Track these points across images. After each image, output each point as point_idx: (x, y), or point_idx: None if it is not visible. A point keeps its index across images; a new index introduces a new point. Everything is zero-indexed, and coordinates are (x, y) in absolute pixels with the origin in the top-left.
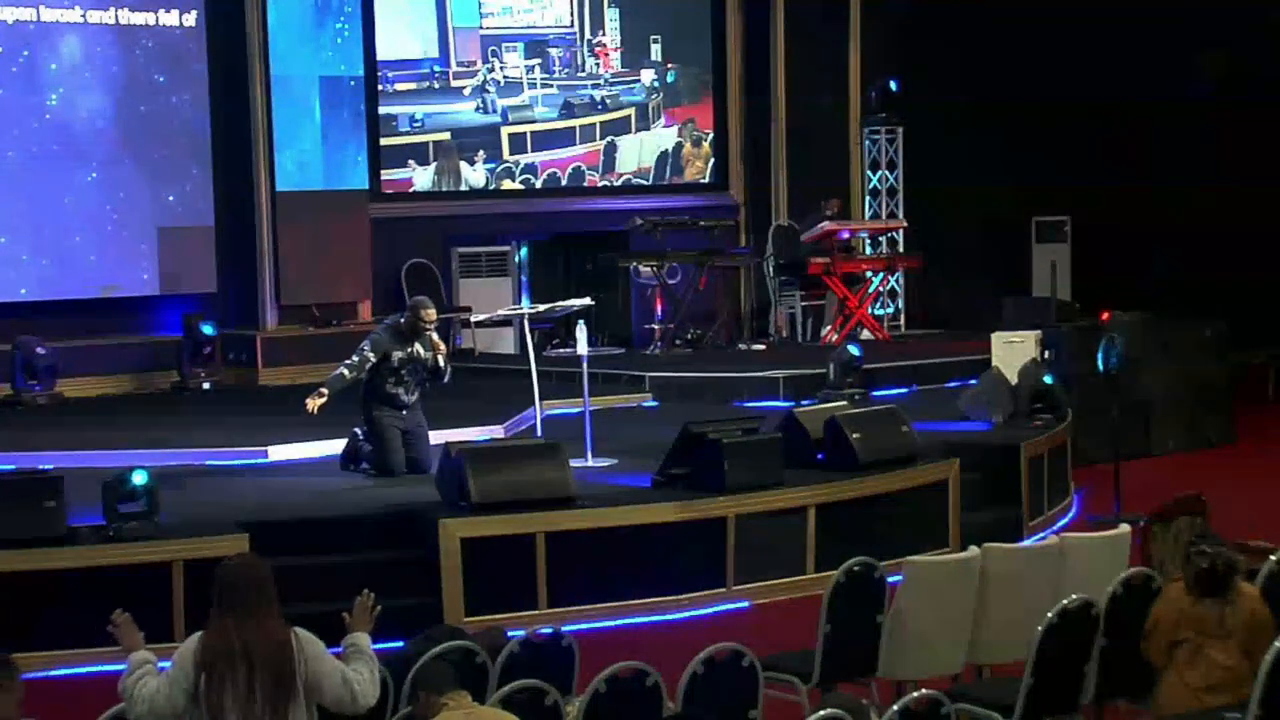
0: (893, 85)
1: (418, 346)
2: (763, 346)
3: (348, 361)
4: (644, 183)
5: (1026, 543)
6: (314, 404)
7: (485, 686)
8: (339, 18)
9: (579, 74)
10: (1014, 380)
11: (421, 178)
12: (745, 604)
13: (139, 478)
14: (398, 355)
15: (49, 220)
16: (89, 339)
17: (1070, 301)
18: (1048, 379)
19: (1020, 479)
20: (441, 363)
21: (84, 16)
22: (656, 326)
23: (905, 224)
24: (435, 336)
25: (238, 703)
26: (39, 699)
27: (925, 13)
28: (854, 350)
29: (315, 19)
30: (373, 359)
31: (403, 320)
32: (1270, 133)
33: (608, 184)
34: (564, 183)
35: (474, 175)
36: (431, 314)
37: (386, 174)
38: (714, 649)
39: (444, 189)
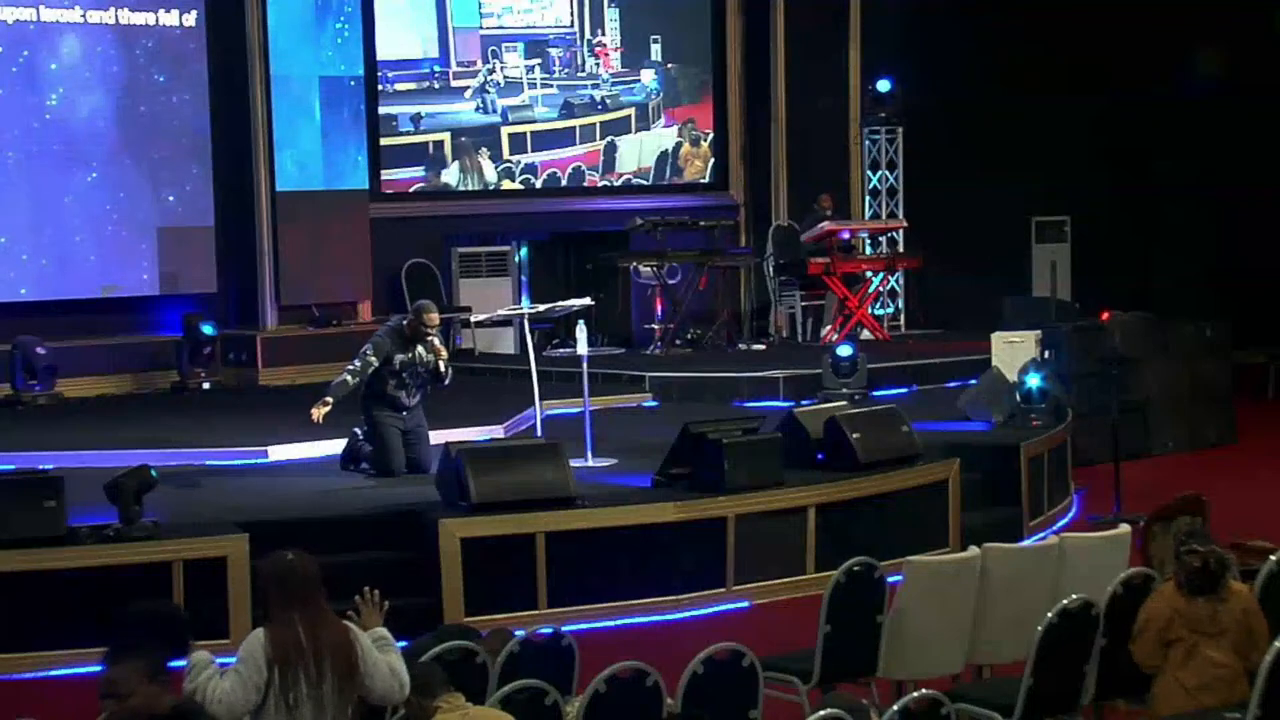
0: (882, 85)
1: (419, 350)
2: (763, 346)
3: (350, 367)
4: (644, 183)
5: (1026, 543)
6: (319, 413)
7: (485, 686)
8: (339, 18)
9: (579, 74)
10: (1014, 380)
11: (447, 177)
12: (745, 604)
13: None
14: (399, 358)
15: (49, 220)
16: (89, 339)
17: (1070, 301)
18: (1033, 380)
19: (1020, 479)
20: (443, 367)
21: (84, 16)
22: (656, 326)
23: (905, 224)
24: (437, 341)
25: (312, 696)
26: (39, 699)
27: (925, 13)
28: (842, 351)
29: (315, 19)
30: (375, 363)
31: (405, 323)
32: (1270, 133)
33: (608, 184)
34: (564, 183)
35: (491, 172)
36: (434, 318)
37: (400, 173)
38: (714, 649)
39: (470, 187)
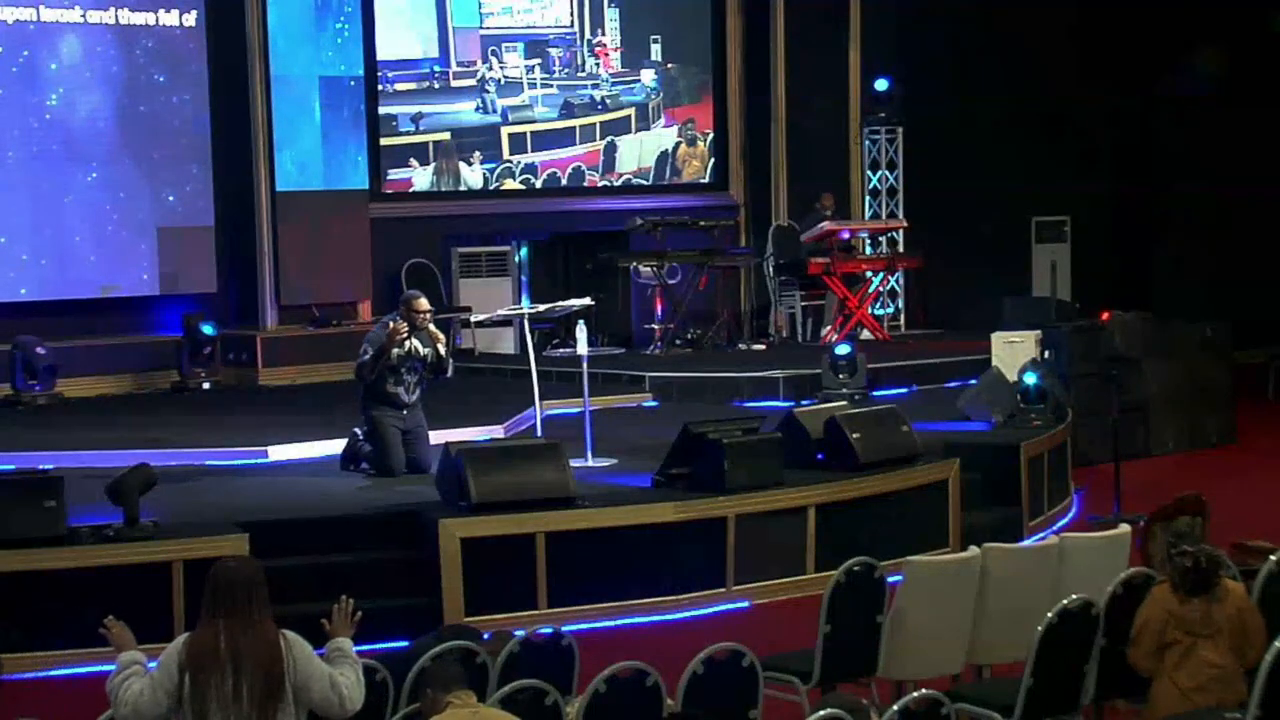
0: (879, 85)
1: (415, 343)
2: (763, 346)
3: (361, 358)
4: (644, 183)
5: (1026, 543)
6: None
7: (485, 686)
8: (339, 18)
9: (579, 74)
10: (1014, 380)
11: (421, 178)
12: (745, 604)
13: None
14: (395, 352)
15: (49, 220)
16: (89, 339)
17: (1070, 301)
18: (1029, 378)
19: (1020, 479)
20: (442, 351)
21: (84, 16)
22: (656, 326)
23: (905, 224)
24: (433, 328)
25: (223, 706)
26: (39, 699)
27: (925, 13)
28: (840, 349)
29: (315, 19)
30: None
31: (398, 318)
32: (1270, 133)
33: (608, 184)
34: (564, 183)
35: (472, 175)
36: (423, 304)
37: (400, 173)
38: (714, 649)
39: (443, 189)
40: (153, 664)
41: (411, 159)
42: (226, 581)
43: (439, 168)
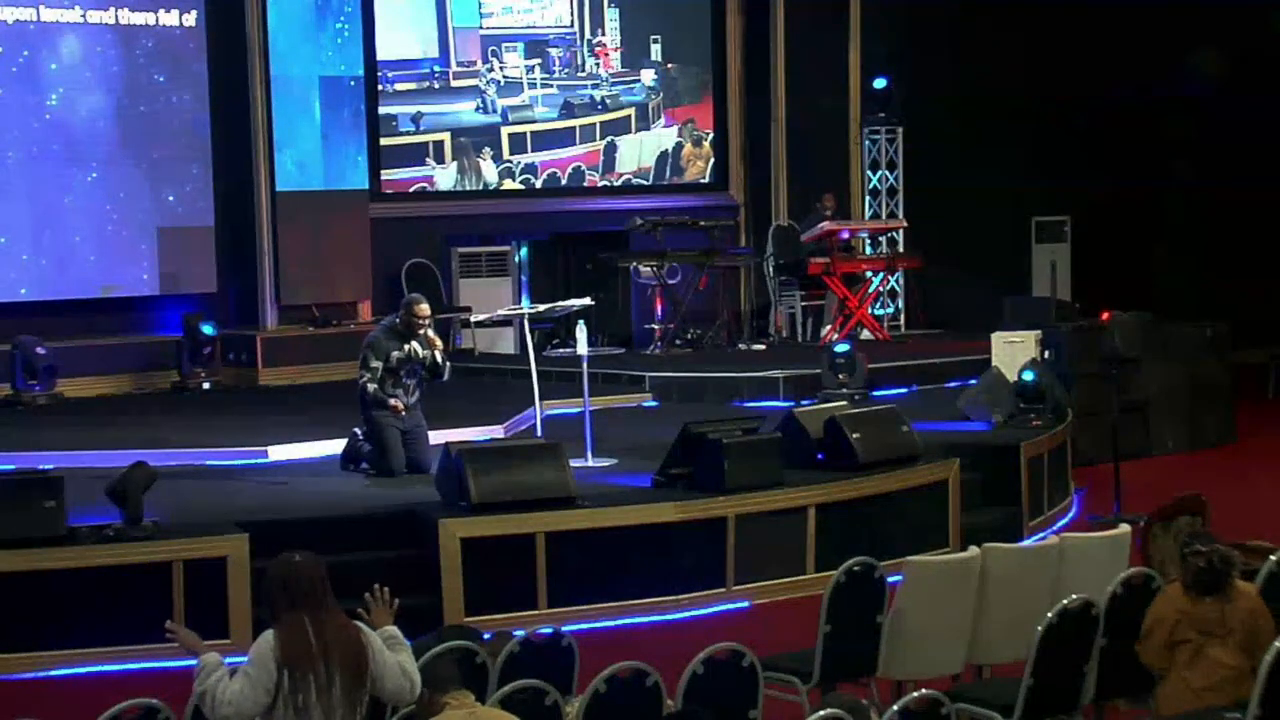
0: (878, 84)
1: (414, 345)
2: (763, 346)
3: (364, 376)
4: (644, 183)
5: (1026, 543)
6: (399, 404)
7: (485, 686)
8: (339, 18)
9: (579, 74)
10: (1014, 380)
11: (444, 177)
12: (745, 604)
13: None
14: (395, 355)
15: (49, 220)
16: (89, 339)
17: (1070, 301)
18: (1029, 378)
19: (1020, 479)
20: (439, 358)
21: (84, 16)
22: (656, 326)
23: (905, 224)
24: (431, 333)
25: (320, 697)
26: (39, 699)
27: (924, 13)
28: (839, 348)
29: (315, 19)
30: (380, 365)
31: (397, 320)
32: (1269, 132)
33: (608, 184)
34: (564, 183)
35: (491, 173)
36: (424, 309)
37: (402, 173)
38: (714, 649)
39: (467, 187)
40: (229, 661)
41: (428, 158)
42: (302, 578)
43: (461, 165)
